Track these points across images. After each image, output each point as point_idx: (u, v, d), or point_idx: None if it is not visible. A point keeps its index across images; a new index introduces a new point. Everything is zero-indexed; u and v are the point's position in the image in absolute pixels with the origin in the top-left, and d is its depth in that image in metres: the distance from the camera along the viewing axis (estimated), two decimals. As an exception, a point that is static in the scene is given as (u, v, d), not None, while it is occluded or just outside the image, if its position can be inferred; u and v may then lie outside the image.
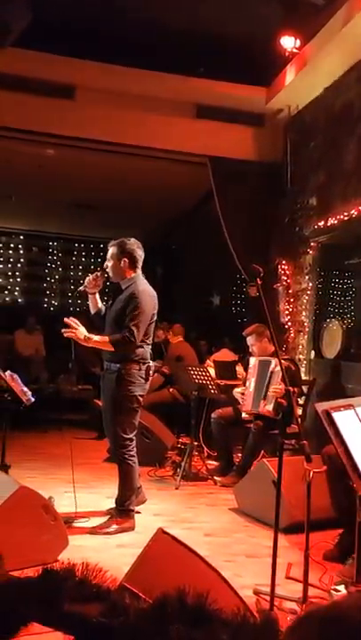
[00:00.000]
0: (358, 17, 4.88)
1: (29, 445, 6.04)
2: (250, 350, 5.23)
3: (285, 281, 6.66)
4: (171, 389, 6.52)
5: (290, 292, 6.63)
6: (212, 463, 5.48)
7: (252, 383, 4.95)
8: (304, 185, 6.45)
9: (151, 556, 2.31)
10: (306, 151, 6.46)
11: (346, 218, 5.51)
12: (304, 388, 5.36)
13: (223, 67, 6.08)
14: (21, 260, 12.21)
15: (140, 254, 3.88)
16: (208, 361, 6.72)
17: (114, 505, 3.82)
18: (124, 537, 3.60)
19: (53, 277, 12.44)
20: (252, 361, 5.06)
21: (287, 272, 6.67)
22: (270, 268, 6.65)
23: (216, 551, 3.35)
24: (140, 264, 3.89)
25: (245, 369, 5.26)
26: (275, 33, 5.83)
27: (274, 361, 4.79)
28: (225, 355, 7.17)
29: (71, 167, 7.72)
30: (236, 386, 5.37)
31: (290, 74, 6.11)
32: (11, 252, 12.12)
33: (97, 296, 4.01)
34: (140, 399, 3.80)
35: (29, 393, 4.23)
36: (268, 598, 2.56)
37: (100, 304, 4.02)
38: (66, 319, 3.73)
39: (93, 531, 3.64)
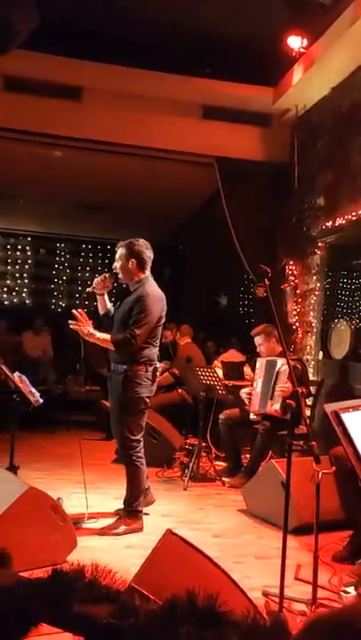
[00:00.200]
0: (366, 16, 4.86)
1: (37, 446, 6.06)
2: (257, 350, 5.22)
3: (293, 281, 6.65)
4: (180, 390, 6.51)
5: (297, 292, 6.61)
6: (220, 464, 5.48)
7: (259, 383, 4.94)
8: (311, 185, 6.43)
9: (160, 557, 2.31)
10: (313, 151, 6.44)
11: (354, 218, 5.49)
12: (312, 389, 5.34)
13: (230, 67, 6.07)
14: (29, 261, 12.25)
15: (148, 256, 3.86)
16: (216, 362, 6.71)
17: (122, 506, 3.82)
18: (133, 538, 3.60)
19: (61, 279, 12.46)
20: (260, 361, 5.05)
21: (295, 272, 6.65)
22: (278, 268, 6.64)
23: (225, 552, 3.35)
24: (148, 265, 3.87)
25: (253, 369, 5.25)
26: (282, 33, 5.82)
27: (280, 361, 4.79)
28: (233, 355, 7.16)
29: (78, 169, 7.74)
30: (243, 386, 5.36)
31: (297, 74, 6.09)
32: (18, 253, 12.16)
33: (105, 297, 4.01)
34: (147, 400, 3.80)
35: (37, 394, 4.23)
36: (277, 600, 2.55)
37: (108, 305, 4.02)
38: (74, 311, 3.73)
39: (102, 532, 3.65)
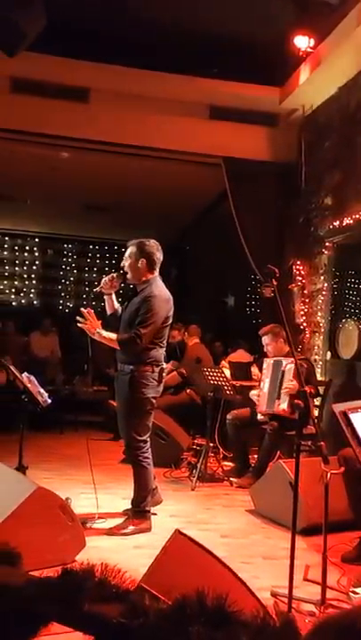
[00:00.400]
0: (373, 15, 4.85)
1: (46, 447, 6.08)
2: (265, 350, 5.21)
3: (301, 281, 6.63)
4: (188, 391, 6.51)
5: (305, 292, 6.60)
6: (228, 464, 5.48)
7: (266, 384, 4.93)
8: (319, 185, 6.42)
9: (168, 557, 2.31)
10: (320, 151, 6.43)
11: (361, 217, 5.48)
12: (320, 389, 5.33)
13: (237, 67, 6.07)
14: (37, 262, 12.29)
15: (158, 257, 3.86)
16: (223, 362, 6.71)
17: (130, 506, 3.83)
18: (141, 538, 3.61)
19: (68, 279, 12.50)
20: (266, 362, 5.05)
21: (302, 272, 6.64)
22: (285, 268, 6.63)
23: (233, 553, 3.34)
24: (157, 266, 3.87)
25: (260, 370, 5.25)
26: (288, 33, 5.82)
27: (285, 360, 4.79)
28: (241, 355, 7.15)
29: (85, 169, 7.76)
30: (251, 387, 5.36)
31: (304, 73, 6.08)
32: (26, 254, 12.20)
33: (113, 297, 4.01)
34: (154, 401, 3.80)
35: (46, 395, 4.24)
36: (285, 600, 2.55)
37: (116, 305, 4.02)
38: (82, 309, 3.74)
39: (110, 532, 3.66)
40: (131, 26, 5.87)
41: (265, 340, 5.16)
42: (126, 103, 6.45)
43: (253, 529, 3.95)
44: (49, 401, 4.23)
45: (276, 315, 3.08)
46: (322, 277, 6.35)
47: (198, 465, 5.02)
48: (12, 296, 12.13)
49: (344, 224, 5.79)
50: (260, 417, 5.00)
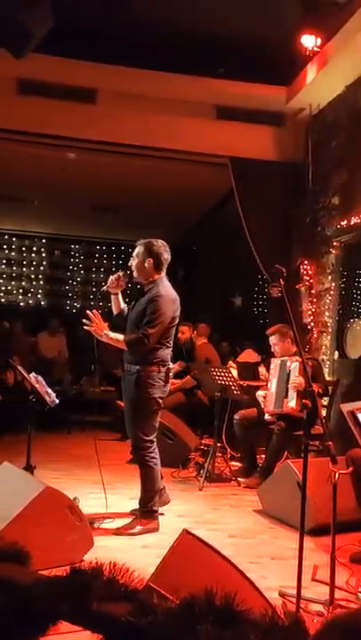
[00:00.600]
0: (380, 14, 4.83)
1: (53, 447, 6.10)
2: (272, 350, 5.20)
3: (308, 281, 6.62)
4: (199, 393, 6.49)
5: (313, 292, 6.58)
6: (236, 464, 5.47)
7: (273, 384, 4.93)
8: (326, 184, 6.40)
9: (176, 556, 2.31)
10: (327, 150, 6.41)
11: (369, 217, 5.46)
12: (328, 389, 5.31)
13: (243, 67, 6.07)
14: (44, 262, 12.32)
15: (165, 257, 3.86)
16: (230, 362, 6.69)
17: (138, 506, 3.83)
18: (149, 538, 3.61)
19: (75, 280, 12.53)
20: (274, 362, 5.04)
21: (310, 272, 6.62)
22: (292, 268, 6.62)
23: (241, 553, 3.34)
24: (164, 267, 3.87)
25: (268, 370, 5.24)
26: (295, 32, 5.81)
27: (290, 359, 4.79)
28: (249, 355, 7.14)
29: (92, 170, 7.78)
30: (258, 387, 5.35)
31: (311, 72, 6.07)
32: (33, 255, 12.24)
33: (120, 297, 4.02)
34: (160, 401, 3.80)
35: (53, 395, 4.26)
36: (294, 600, 2.54)
37: (122, 305, 4.03)
38: (89, 312, 3.75)
39: (118, 531, 3.66)
40: (137, 26, 5.87)
41: (272, 340, 5.15)
42: (133, 104, 6.47)
43: (261, 529, 3.94)
44: (56, 401, 4.24)
45: (283, 315, 3.07)
46: (329, 277, 6.34)
47: (206, 465, 5.02)
48: (20, 297, 12.17)
49: (351, 223, 5.77)
50: (267, 417, 4.99)
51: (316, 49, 5.84)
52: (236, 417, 5.24)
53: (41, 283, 12.32)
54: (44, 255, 12.32)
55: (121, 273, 3.92)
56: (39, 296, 12.33)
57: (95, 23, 5.79)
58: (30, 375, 4.25)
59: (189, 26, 5.87)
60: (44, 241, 12.24)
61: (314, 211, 6.59)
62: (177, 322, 3.91)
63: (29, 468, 4.01)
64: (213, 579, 1.87)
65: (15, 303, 12.10)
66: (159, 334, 3.71)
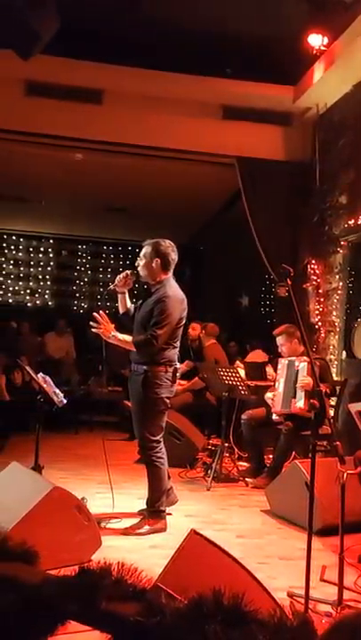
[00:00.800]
0: (387, 12, 4.81)
1: (61, 447, 6.11)
2: (279, 350, 5.19)
3: (315, 281, 6.60)
4: (207, 394, 6.48)
5: (320, 291, 6.56)
6: (243, 464, 5.46)
7: (280, 384, 4.92)
8: (333, 183, 6.38)
9: (184, 556, 2.32)
10: (335, 149, 6.39)
11: (377, 216, 5.43)
12: (336, 389, 5.30)
13: (250, 66, 6.06)
14: (51, 263, 12.37)
15: (173, 258, 3.86)
16: (238, 362, 6.68)
17: (145, 506, 3.83)
18: (157, 538, 3.61)
19: (83, 280, 12.56)
20: (281, 362, 5.03)
21: (317, 271, 6.60)
22: (300, 267, 6.60)
23: (249, 553, 3.33)
24: (172, 267, 3.86)
25: (275, 370, 5.23)
26: (302, 31, 5.79)
27: (298, 359, 4.77)
28: (257, 355, 7.13)
29: (99, 171, 7.79)
30: (266, 387, 5.34)
31: (318, 72, 6.05)
32: (41, 255, 12.29)
33: (126, 296, 4.03)
34: (167, 401, 3.80)
35: (61, 395, 4.26)
36: (302, 601, 2.54)
37: (129, 304, 4.03)
38: (95, 314, 3.74)
39: (126, 531, 3.67)
40: (144, 27, 5.88)
41: (279, 340, 5.13)
42: (139, 104, 6.47)
43: (269, 529, 3.94)
44: (64, 401, 4.25)
45: (290, 314, 3.06)
46: (337, 276, 6.32)
47: (213, 465, 5.02)
48: (27, 297, 12.22)
49: (359, 222, 5.75)
50: (275, 417, 4.98)
51: (323, 48, 5.83)
52: (243, 417, 5.24)
53: (48, 283, 12.36)
54: (51, 255, 12.36)
55: (129, 272, 3.92)
56: (46, 296, 12.38)
57: (102, 24, 5.79)
58: (38, 375, 4.27)
59: (196, 26, 5.87)
60: (51, 241, 12.29)
61: (321, 210, 6.57)
62: (184, 322, 3.91)
63: (37, 468, 4.02)
64: (221, 579, 1.87)
65: (23, 303, 12.16)
66: (167, 335, 3.71)
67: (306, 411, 4.52)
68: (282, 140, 6.85)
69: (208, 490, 4.79)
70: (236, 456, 5.57)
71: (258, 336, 8.30)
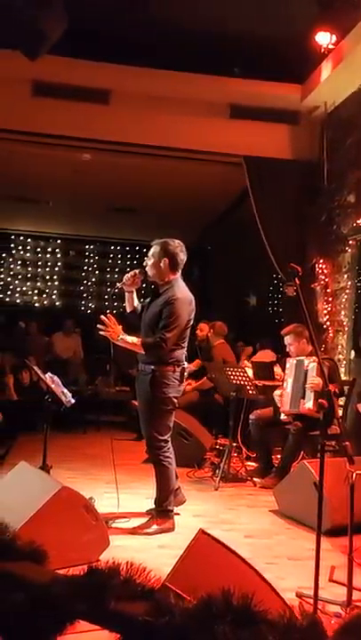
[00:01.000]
0: (396, 10, 4.79)
1: (69, 446, 6.12)
2: (287, 350, 5.18)
3: (323, 280, 6.57)
4: (216, 395, 6.47)
5: (328, 291, 6.53)
6: (251, 464, 5.45)
7: (289, 383, 4.90)
8: (341, 182, 6.35)
9: (192, 556, 2.31)
10: (343, 148, 6.36)
11: (385, 215, 5.41)
12: (344, 389, 5.27)
13: (257, 65, 6.04)
14: (59, 263, 12.40)
15: (182, 258, 3.84)
16: (245, 362, 6.66)
17: (153, 506, 3.83)
18: (165, 537, 3.61)
19: (90, 280, 12.59)
20: (289, 362, 5.01)
21: (325, 271, 6.57)
22: (308, 267, 6.57)
23: (257, 553, 3.32)
24: (180, 268, 3.85)
25: (283, 369, 5.22)
26: (310, 29, 5.77)
27: (307, 359, 4.75)
28: (265, 355, 7.11)
29: (107, 171, 7.80)
30: (273, 386, 5.33)
31: (325, 70, 6.03)
32: (48, 255, 12.33)
33: (134, 295, 4.02)
34: (175, 401, 3.80)
35: (69, 395, 4.27)
36: (311, 601, 2.53)
37: (136, 303, 4.02)
38: (102, 317, 3.73)
39: (134, 531, 3.67)
40: (151, 26, 5.87)
41: (287, 340, 5.12)
42: (146, 104, 6.47)
43: (278, 529, 3.92)
44: (72, 401, 4.26)
45: (298, 314, 3.05)
46: (345, 276, 6.29)
47: (221, 465, 5.01)
48: (35, 297, 12.26)
49: (367, 222, 5.73)
50: (283, 417, 4.96)
51: (330, 46, 5.80)
52: (251, 417, 5.23)
53: (56, 283, 12.40)
54: (58, 256, 12.40)
55: (137, 271, 3.91)
56: (54, 296, 12.41)
57: (109, 24, 5.80)
58: (46, 375, 4.28)
59: (202, 25, 5.86)
60: (58, 242, 12.32)
61: (329, 209, 6.54)
62: (192, 323, 3.90)
63: (45, 468, 4.03)
64: (230, 579, 1.86)
65: (30, 304, 12.20)
66: (176, 337, 3.70)
67: (315, 411, 4.50)
68: (289, 138, 6.82)
69: (216, 490, 4.78)
70: (244, 456, 5.55)
71: (266, 336, 8.27)
